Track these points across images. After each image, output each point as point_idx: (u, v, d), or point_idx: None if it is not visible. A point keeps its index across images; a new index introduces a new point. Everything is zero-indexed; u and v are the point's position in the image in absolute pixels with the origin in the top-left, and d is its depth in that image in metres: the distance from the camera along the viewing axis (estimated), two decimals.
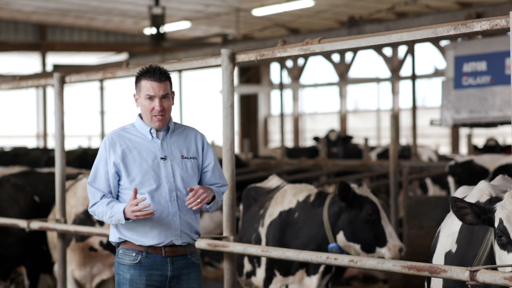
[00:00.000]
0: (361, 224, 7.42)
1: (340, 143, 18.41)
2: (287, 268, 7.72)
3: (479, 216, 5.10)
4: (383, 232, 7.39)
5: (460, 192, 6.15)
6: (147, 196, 5.34)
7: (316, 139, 19.27)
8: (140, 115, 5.51)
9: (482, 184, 5.70)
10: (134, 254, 5.39)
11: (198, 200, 5.31)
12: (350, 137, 19.43)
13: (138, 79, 5.46)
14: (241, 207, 8.88)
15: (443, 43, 24.33)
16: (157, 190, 5.39)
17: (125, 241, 5.43)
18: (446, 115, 12.57)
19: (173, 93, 5.51)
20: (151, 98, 5.40)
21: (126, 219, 5.29)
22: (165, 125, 5.48)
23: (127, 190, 5.41)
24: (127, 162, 5.40)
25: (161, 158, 5.43)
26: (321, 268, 7.60)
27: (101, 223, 8.60)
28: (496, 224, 5.01)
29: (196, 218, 5.52)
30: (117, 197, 5.47)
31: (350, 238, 7.45)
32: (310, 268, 7.65)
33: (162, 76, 5.41)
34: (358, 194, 7.48)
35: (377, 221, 7.41)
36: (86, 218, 8.81)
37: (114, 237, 5.48)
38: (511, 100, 4.69)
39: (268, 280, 7.84)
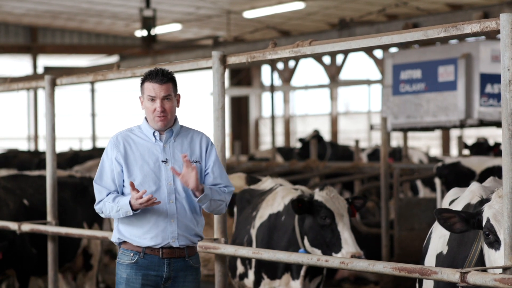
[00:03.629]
0: (318, 229, 7.37)
1: (313, 143, 18.58)
2: (273, 271, 7.71)
3: (468, 222, 5.09)
4: (339, 238, 7.29)
5: (451, 194, 6.15)
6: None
7: (301, 140, 19.61)
8: (146, 118, 5.59)
9: (474, 186, 5.69)
10: (132, 254, 5.48)
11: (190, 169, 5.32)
12: (320, 137, 19.82)
13: (142, 82, 5.56)
14: (235, 209, 8.87)
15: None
16: (156, 192, 5.45)
17: (125, 242, 5.52)
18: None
19: (178, 95, 5.61)
20: (153, 99, 5.49)
21: (134, 210, 5.37)
22: (167, 125, 5.56)
23: (129, 190, 5.46)
24: (129, 163, 5.49)
25: (162, 161, 5.51)
26: (302, 272, 7.57)
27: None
28: (484, 223, 5.03)
29: (197, 222, 5.56)
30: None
31: (312, 243, 7.41)
32: (293, 272, 7.64)
33: (164, 78, 5.50)
34: (314, 200, 7.42)
35: (333, 227, 7.33)
36: None
37: (114, 238, 5.58)
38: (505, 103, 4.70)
39: (257, 282, 7.83)
